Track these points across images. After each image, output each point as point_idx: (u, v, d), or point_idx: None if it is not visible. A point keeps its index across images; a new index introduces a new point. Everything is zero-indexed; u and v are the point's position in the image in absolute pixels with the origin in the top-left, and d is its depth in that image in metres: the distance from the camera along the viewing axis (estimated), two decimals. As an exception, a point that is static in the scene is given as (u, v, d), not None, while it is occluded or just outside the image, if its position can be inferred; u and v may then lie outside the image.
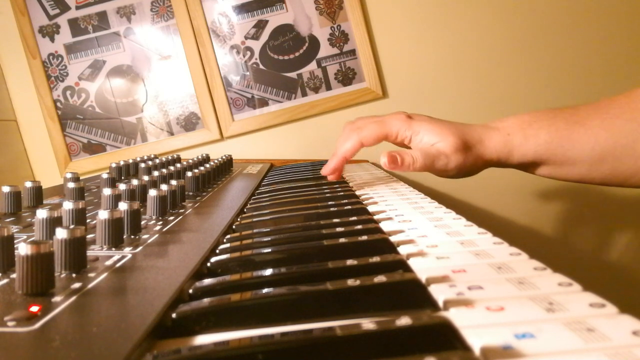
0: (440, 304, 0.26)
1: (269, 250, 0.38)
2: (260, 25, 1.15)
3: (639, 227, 1.16)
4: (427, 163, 0.59)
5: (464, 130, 0.60)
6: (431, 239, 0.38)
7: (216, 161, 0.82)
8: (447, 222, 0.43)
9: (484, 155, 0.60)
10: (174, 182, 0.54)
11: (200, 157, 0.89)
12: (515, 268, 0.30)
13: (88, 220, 0.45)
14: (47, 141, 1.17)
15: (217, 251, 0.39)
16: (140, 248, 0.38)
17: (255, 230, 0.45)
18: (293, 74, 1.15)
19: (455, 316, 0.24)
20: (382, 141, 0.64)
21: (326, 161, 0.71)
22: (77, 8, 1.16)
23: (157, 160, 0.84)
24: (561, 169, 0.59)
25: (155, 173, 0.63)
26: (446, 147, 0.59)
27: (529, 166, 0.61)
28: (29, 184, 0.55)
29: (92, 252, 0.36)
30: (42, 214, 0.38)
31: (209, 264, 0.36)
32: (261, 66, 1.16)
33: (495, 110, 1.14)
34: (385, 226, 0.43)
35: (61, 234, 0.31)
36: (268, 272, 0.32)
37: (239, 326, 0.26)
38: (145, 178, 0.58)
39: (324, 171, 0.69)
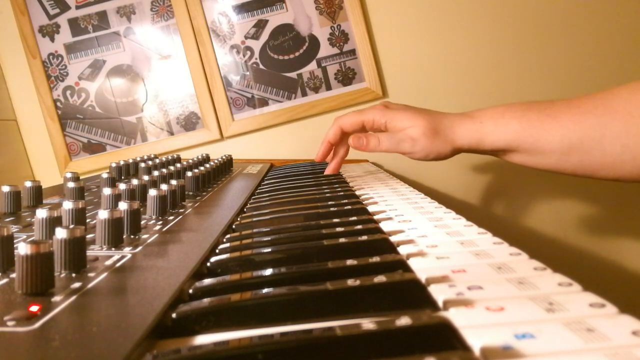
0: (440, 304, 0.26)
1: (269, 250, 0.38)
2: (260, 25, 1.15)
3: (639, 227, 1.16)
4: (391, 145, 0.65)
5: (437, 117, 0.65)
6: (431, 239, 0.38)
7: (216, 161, 0.82)
8: (447, 222, 0.43)
9: (455, 141, 0.63)
10: (174, 182, 0.54)
11: (200, 157, 0.89)
12: (515, 268, 0.30)
13: (88, 220, 0.45)
14: (47, 141, 1.16)
15: (217, 251, 0.39)
16: (140, 248, 0.38)
17: (255, 230, 0.45)
18: (293, 74, 1.15)
19: (455, 316, 0.24)
20: (360, 127, 0.70)
21: (326, 163, 0.75)
22: (77, 8, 1.16)
23: (157, 160, 0.84)
24: (532, 158, 0.61)
25: (155, 173, 0.63)
26: (415, 132, 0.63)
27: (501, 153, 0.64)
28: (28, 184, 0.55)
29: (92, 252, 0.36)
30: (41, 213, 0.38)
31: (208, 264, 0.36)
32: (261, 66, 1.16)
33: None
34: (385, 226, 0.43)
35: (61, 233, 0.31)
36: (268, 272, 0.32)
37: (239, 326, 0.26)
38: (145, 178, 0.58)
39: (317, 158, 0.76)
